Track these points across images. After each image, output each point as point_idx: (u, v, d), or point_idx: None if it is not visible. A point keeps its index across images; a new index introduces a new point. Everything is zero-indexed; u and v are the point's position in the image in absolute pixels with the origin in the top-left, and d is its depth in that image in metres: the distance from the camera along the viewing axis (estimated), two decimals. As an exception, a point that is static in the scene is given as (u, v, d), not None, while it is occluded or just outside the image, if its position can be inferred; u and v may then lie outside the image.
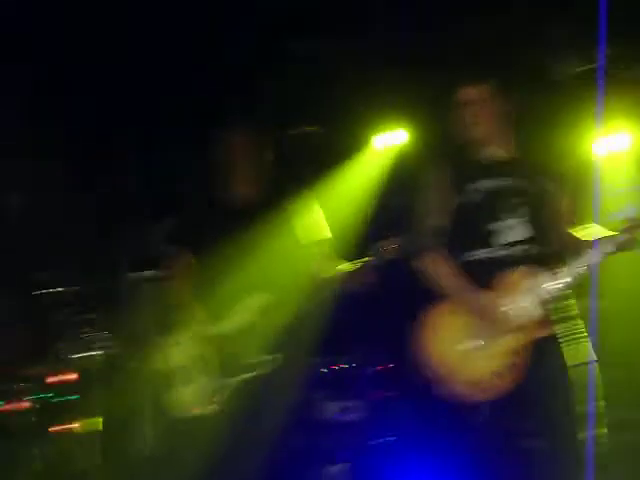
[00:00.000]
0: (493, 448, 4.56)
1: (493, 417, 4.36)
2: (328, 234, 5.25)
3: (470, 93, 4.54)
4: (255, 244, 5.06)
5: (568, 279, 4.32)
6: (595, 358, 4.37)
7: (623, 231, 4.27)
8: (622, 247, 4.27)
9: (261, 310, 5.10)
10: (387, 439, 6.71)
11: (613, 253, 4.29)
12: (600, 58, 4.48)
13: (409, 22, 6.70)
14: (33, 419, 5.58)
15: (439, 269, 4.44)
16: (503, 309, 4.30)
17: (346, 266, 5.08)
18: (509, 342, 4.32)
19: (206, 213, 5.29)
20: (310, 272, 5.14)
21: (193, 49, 6.80)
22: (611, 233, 4.32)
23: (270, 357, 5.10)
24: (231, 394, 5.09)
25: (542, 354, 4.32)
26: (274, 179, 5.30)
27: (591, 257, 4.31)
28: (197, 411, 5.12)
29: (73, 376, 5.56)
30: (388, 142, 7.22)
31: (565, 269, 4.33)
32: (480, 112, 4.51)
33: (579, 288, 4.43)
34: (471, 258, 4.43)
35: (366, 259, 5.04)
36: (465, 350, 4.35)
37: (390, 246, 4.96)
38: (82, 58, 6.66)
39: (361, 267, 5.03)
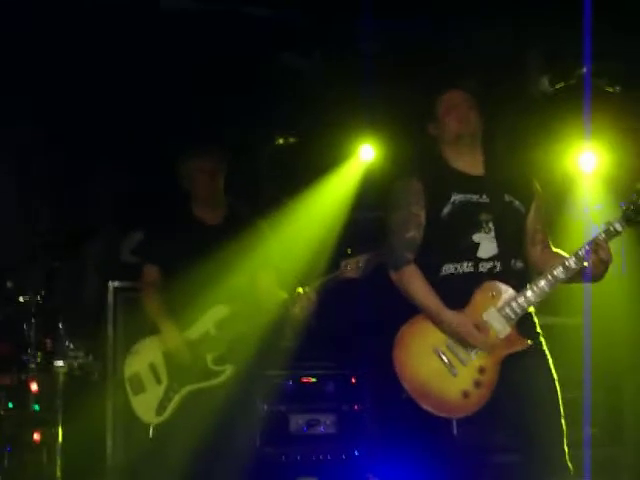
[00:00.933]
0: (463, 463, 4.55)
1: (463, 433, 4.35)
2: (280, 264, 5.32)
3: (455, 97, 4.55)
4: (221, 260, 5.09)
5: (533, 296, 4.33)
6: (556, 376, 4.37)
7: (584, 249, 4.30)
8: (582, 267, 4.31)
9: (219, 321, 5.12)
10: (356, 453, 6.70)
11: (575, 270, 4.31)
12: (586, 76, 4.49)
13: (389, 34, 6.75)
14: (8, 429, 5.54)
15: (415, 284, 4.42)
16: (473, 327, 4.29)
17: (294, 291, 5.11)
18: (479, 360, 4.32)
19: (175, 228, 5.33)
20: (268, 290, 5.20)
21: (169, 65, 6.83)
22: (576, 252, 4.34)
23: (225, 367, 5.10)
24: (181, 404, 5.08)
25: (522, 369, 4.32)
26: (244, 196, 5.35)
27: (556, 275, 4.32)
28: (149, 420, 5.11)
29: (34, 386, 5.51)
30: (362, 156, 7.22)
31: (531, 286, 4.34)
32: (467, 114, 4.52)
33: (543, 306, 4.44)
34: (440, 273, 4.43)
35: (314, 284, 5.07)
36: (435, 367, 4.34)
37: (351, 265, 4.98)
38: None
39: (303, 295, 5.05)
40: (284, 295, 5.15)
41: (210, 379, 5.11)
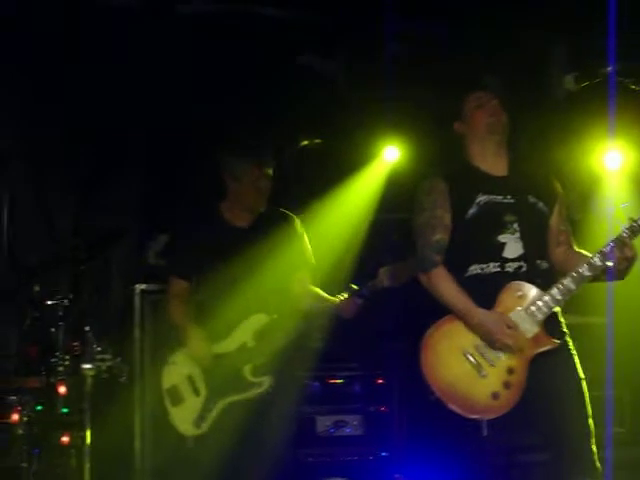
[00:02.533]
0: (492, 464, 4.55)
1: (492, 433, 4.34)
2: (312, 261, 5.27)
3: (484, 96, 4.54)
4: (254, 265, 5.05)
5: (559, 296, 4.32)
6: (583, 376, 4.37)
7: (608, 245, 4.29)
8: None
9: (257, 332, 5.08)
10: (383, 454, 6.70)
11: (601, 268, 4.31)
12: (611, 75, 4.48)
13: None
14: (21, 432, 5.56)
15: (444, 285, 4.43)
16: (505, 326, 4.29)
17: (332, 298, 5.08)
18: (507, 361, 4.31)
19: (201, 232, 5.27)
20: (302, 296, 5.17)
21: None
22: (600, 250, 4.34)
23: (264, 379, 5.07)
24: (218, 416, 5.07)
25: (549, 368, 4.33)
26: (277, 199, 5.32)
27: (582, 273, 4.31)
28: (187, 431, 5.11)
29: (62, 389, 5.53)
30: (386, 158, 7.21)
31: (556, 285, 4.34)
32: (498, 110, 4.52)
33: (568, 305, 4.43)
34: (466, 274, 4.43)
35: (353, 289, 5.05)
36: (463, 369, 4.34)
37: (389, 273, 4.96)
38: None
39: (347, 299, 5.03)
40: (322, 293, 5.12)
41: (248, 391, 5.08)
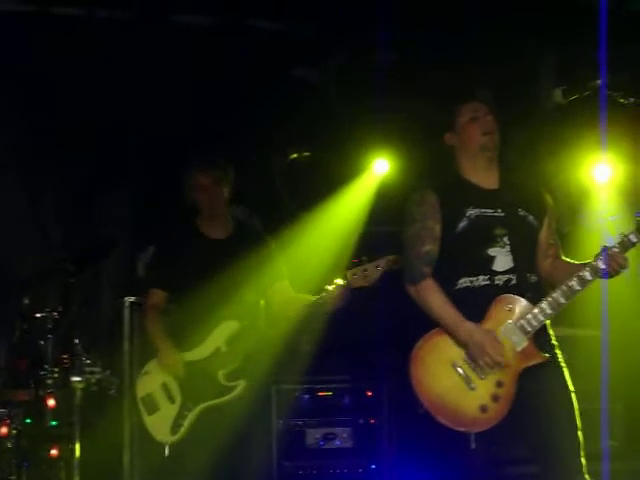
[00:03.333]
0: (481, 477, 4.54)
1: (481, 446, 4.34)
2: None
3: (478, 108, 4.55)
4: (228, 275, 5.09)
5: (549, 309, 4.33)
6: (572, 388, 4.37)
7: (598, 259, 4.31)
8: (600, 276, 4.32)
9: (230, 337, 5.11)
10: (373, 466, 6.69)
11: (591, 282, 4.32)
12: (601, 88, 4.50)
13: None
14: (10, 445, 5.54)
15: (433, 298, 4.42)
16: (494, 339, 4.29)
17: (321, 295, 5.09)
18: (496, 374, 4.31)
19: (181, 244, 5.34)
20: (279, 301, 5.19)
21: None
22: (589, 263, 4.35)
23: (238, 382, 5.09)
24: (195, 422, 5.08)
25: (538, 381, 4.32)
26: (267, 211, 5.37)
27: (572, 287, 4.32)
28: (164, 440, 5.11)
29: (51, 402, 5.52)
30: (376, 170, 7.22)
31: (546, 298, 4.34)
32: (492, 126, 4.53)
33: (558, 317, 4.44)
34: (456, 287, 4.43)
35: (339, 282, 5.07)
36: (452, 381, 4.34)
37: (356, 273, 4.98)
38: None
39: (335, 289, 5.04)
40: (308, 297, 5.14)
41: (223, 395, 5.11)
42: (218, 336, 5.15)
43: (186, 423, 5.09)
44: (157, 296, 5.35)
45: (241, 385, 5.10)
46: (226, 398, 5.11)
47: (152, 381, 5.23)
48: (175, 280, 5.23)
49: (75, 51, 6.67)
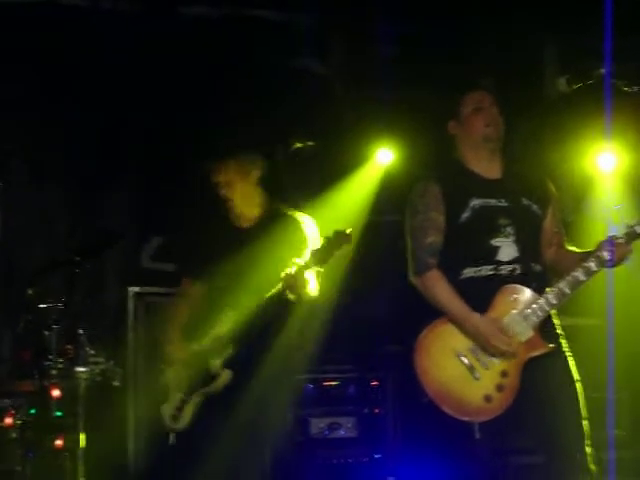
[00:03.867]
0: (485, 466, 4.55)
1: (485, 436, 4.34)
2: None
3: (482, 98, 4.53)
4: (247, 264, 5.06)
5: (554, 299, 4.32)
6: (578, 377, 4.37)
7: (604, 250, 4.30)
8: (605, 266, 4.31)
9: (230, 327, 5.10)
10: (377, 456, 6.70)
11: (596, 272, 4.32)
12: (606, 76, 4.48)
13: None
14: (15, 435, 5.55)
15: (438, 288, 4.42)
16: (498, 330, 4.29)
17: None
18: (501, 364, 4.31)
19: (214, 233, 5.29)
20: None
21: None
22: (593, 252, 4.35)
23: (224, 371, 5.07)
24: (195, 410, 5.08)
25: (542, 371, 4.32)
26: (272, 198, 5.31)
27: (577, 277, 4.32)
28: (172, 427, 5.12)
29: (56, 392, 5.53)
30: (380, 160, 7.21)
31: (551, 289, 4.34)
32: (495, 117, 4.51)
33: (564, 307, 4.44)
34: (460, 277, 4.42)
35: None
36: (457, 371, 4.34)
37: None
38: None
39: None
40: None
41: (214, 383, 5.09)
42: (221, 325, 5.14)
43: (185, 413, 5.09)
44: (190, 285, 5.31)
45: (226, 373, 5.07)
46: (218, 385, 5.09)
47: (170, 371, 5.23)
48: (206, 269, 5.20)
49: (81, 43, 6.67)
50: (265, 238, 5.09)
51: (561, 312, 4.54)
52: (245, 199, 5.24)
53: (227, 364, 5.07)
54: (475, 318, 4.32)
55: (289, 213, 5.27)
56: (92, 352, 5.41)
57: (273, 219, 5.20)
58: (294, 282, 4.85)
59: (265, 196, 5.28)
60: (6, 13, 6.64)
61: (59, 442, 5.62)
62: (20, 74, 6.81)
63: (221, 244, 5.17)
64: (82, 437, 5.33)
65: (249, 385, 5.02)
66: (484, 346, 4.30)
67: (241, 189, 5.23)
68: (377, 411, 6.77)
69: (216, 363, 5.07)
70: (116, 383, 5.71)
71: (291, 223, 5.23)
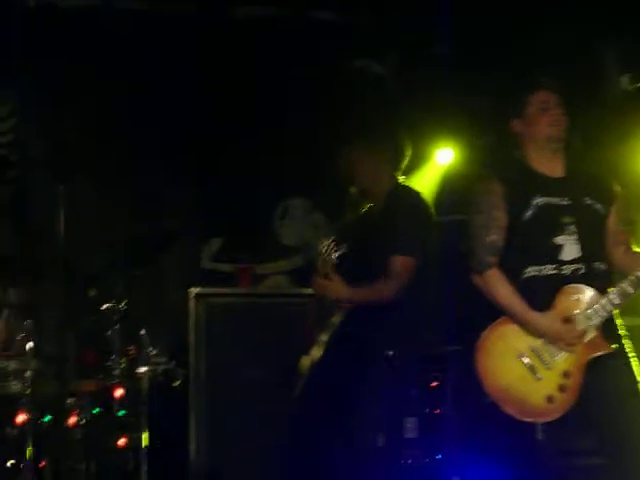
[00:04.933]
0: (547, 468, 4.51)
1: (547, 437, 4.31)
2: None
3: (547, 99, 4.50)
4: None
5: (617, 299, 4.28)
6: (640, 379, 4.32)
7: None
8: None
9: None
10: (439, 456, 6.67)
11: None
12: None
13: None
14: (79, 435, 5.62)
15: (499, 287, 4.39)
16: (561, 326, 4.26)
17: None
18: (563, 364, 4.28)
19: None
20: None
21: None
22: None
23: None
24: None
25: (605, 372, 4.28)
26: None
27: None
28: None
29: (119, 392, 5.58)
30: (440, 160, 7.19)
31: (614, 289, 4.29)
32: (560, 118, 4.48)
33: (628, 307, 4.38)
34: (522, 276, 4.39)
35: None
36: (518, 372, 4.31)
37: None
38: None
39: None
40: None
41: None
42: None
43: None
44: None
45: None
46: None
47: None
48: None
49: (139, 45, 6.75)
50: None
51: (625, 312, 4.49)
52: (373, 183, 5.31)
53: None
54: (535, 317, 4.29)
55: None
56: (154, 352, 5.46)
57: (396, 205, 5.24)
58: None
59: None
60: (71, 19, 6.75)
61: (122, 441, 5.67)
62: (82, 77, 6.90)
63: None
64: (145, 436, 5.38)
65: None
66: (548, 342, 4.27)
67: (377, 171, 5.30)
68: (438, 412, 6.73)
69: None
70: (178, 383, 5.76)
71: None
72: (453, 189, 7.03)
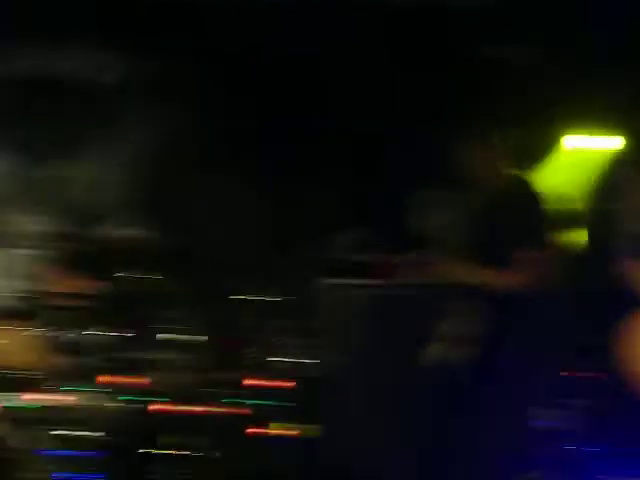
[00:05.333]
0: None
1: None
2: None
3: None
4: None
5: None
6: None
7: None
8: None
9: None
10: (586, 449, 6.56)
11: None
12: None
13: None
14: (214, 423, 5.69)
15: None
16: None
17: None
18: None
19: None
20: None
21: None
22: None
23: None
24: None
25: None
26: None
27: None
28: None
29: (269, 382, 5.63)
30: (586, 145, 7.09)
31: None
32: None
33: None
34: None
35: None
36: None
37: None
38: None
39: None
40: None
41: None
42: None
43: None
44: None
45: None
46: None
47: None
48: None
49: (279, 41, 6.82)
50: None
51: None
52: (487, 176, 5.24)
53: None
54: None
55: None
56: (294, 343, 5.50)
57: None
58: None
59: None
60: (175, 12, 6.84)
61: (255, 430, 5.72)
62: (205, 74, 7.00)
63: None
64: (290, 427, 5.42)
65: None
66: None
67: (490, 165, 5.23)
68: (589, 404, 6.63)
69: None
70: (317, 375, 5.78)
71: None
72: (590, 176, 6.93)
